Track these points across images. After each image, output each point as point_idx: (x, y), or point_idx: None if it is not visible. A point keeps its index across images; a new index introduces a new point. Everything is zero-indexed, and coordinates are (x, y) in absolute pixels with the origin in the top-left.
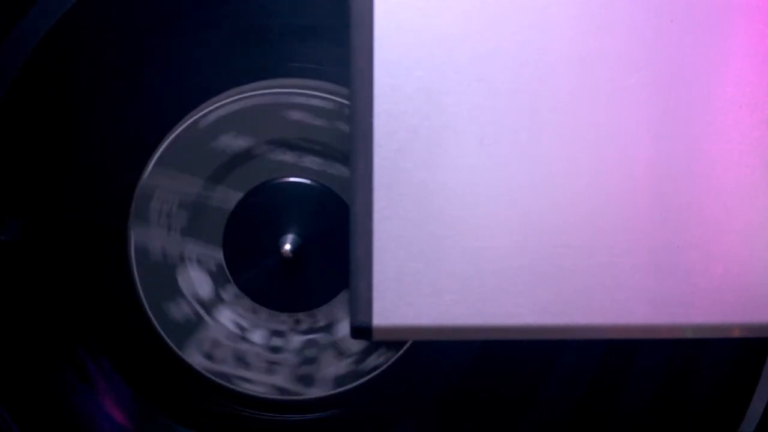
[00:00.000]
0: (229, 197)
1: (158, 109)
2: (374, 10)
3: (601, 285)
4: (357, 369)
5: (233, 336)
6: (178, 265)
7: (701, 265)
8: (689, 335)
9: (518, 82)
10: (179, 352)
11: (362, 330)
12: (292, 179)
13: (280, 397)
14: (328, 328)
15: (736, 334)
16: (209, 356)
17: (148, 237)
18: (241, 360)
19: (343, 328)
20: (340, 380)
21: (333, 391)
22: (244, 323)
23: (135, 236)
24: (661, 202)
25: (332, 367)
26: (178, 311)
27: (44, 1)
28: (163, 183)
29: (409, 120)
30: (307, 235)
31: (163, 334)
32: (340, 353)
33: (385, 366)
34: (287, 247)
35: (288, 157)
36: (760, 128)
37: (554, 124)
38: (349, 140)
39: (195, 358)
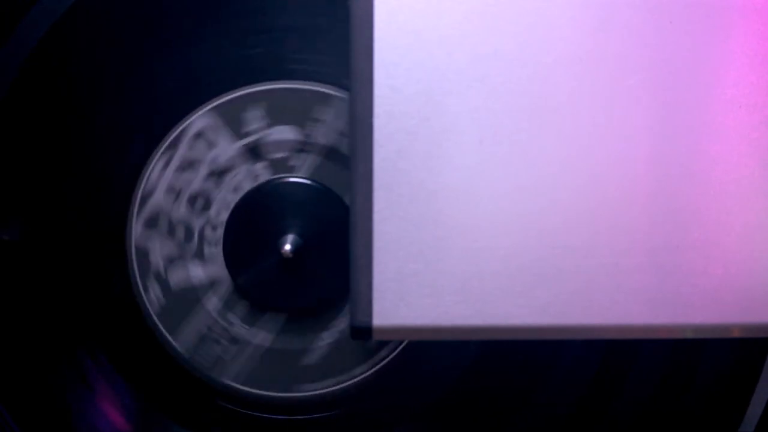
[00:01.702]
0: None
1: (158, 110)
2: (374, 11)
3: (600, 285)
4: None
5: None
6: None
7: (701, 265)
8: (689, 335)
9: (518, 84)
10: (168, 336)
11: (362, 330)
12: (292, 179)
13: (280, 396)
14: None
15: (736, 334)
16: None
17: (151, 243)
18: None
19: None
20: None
21: (332, 391)
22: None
23: (137, 238)
24: (660, 202)
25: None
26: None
27: (44, 3)
28: (162, 185)
29: (409, 121)
30: (308, 235)
31: (157, 322)
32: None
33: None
34: (287, 247)
35: (257, 167)
36: (760, 129)
37: (554, 125)
38: (349, 141)
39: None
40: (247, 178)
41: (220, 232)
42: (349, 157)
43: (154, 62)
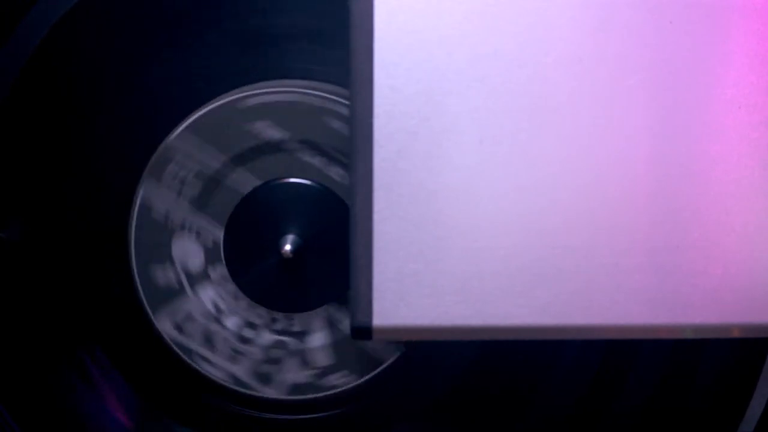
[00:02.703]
0: (246, 181)
1: (158, 111)
2: (374, 12)
3: (600, 285)
4: (316, 383)
5: (208, 315)
6: (176, 232)
7: (701, 265)
8: (689, 335)
9: (517, 84)
10: (152, 317)
11: (362, 330)
12: (292, 179)
13: (279, 397)
14: (300, 335)
15: (736, 334)
16: (179, 328)
17: (157, 196)
18: (208, 340)
19: (316, 339)
20: (296, 388)
21: (332, 391)
22: (222, 306)
23: (144, 191)
24: (660, 202)
25: (292, 374)
26: (164, 276)
27: (44, 4)
28: (187, 149)
29: (409, 121)
30: (308, 236)
31: (141, 295)
32: (305, 363)
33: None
34: (287, 247)
35: (316, 161)
36: (759, 129)
37: (554, 125)
38: (349, 141)
39: (165, 326)
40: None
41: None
42: (348, 158)
43: (154, 63)
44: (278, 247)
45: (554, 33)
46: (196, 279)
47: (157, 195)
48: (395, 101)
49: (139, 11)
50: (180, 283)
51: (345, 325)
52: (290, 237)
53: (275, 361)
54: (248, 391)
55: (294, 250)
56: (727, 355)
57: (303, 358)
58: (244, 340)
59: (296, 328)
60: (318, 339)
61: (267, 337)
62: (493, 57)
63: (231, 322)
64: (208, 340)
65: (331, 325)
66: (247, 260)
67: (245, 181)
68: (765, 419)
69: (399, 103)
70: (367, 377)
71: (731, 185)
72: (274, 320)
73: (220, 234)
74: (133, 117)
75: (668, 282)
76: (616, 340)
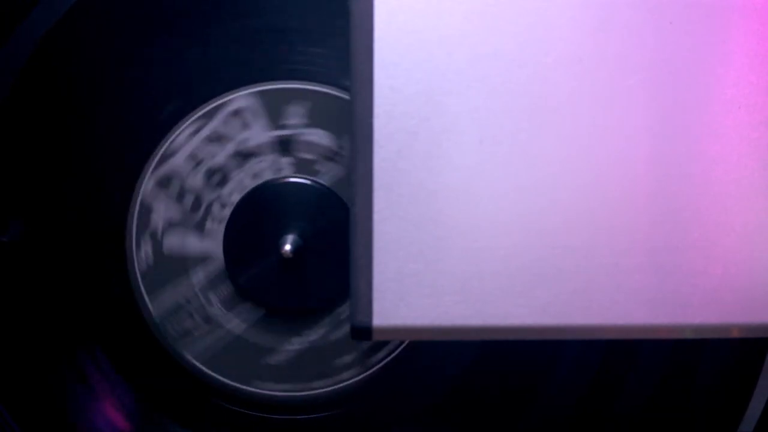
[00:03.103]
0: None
1: (158, 111)
2: (374, 12)
3: (600, 285)
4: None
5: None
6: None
7: (701, 265)
8: (689, 335)
9: (517, 84)
10: (145, 296)
11: (362, 330)
12: (292, 179)
13: (280, 396)
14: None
15: (736, 334)
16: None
17: (157, 201)
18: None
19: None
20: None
21: (332, 391)
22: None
23: (143, 192)
24: (660, 202)
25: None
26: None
27: (44, 4)
28: (183, 171)
29: (409, 121)
30: (308, 236)
31: (138, 279)
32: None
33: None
34: (287, 247)
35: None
36: (759, 129)
37: (553, 125)
38: (349, 141)
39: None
40: (270, 168)
41: (228, 211)
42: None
43: (154, 63)
44: (278, 247)
45: (554, 33)
46: (191, 263)
47: (157, 199)
48: (395, 101)
49: (139, 11)
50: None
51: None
52: (290, 237)
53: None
54: (249, 391)
55: (294, 250)
56: (727, 355)
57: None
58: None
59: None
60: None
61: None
62: (493, 57)
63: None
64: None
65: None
66: (248, 260)
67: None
68: (765, 419)
69: (399, 103)
70: (367, 377)
71: (731, 185)
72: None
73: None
74: (133, 117)
75: (668, 282)
76: (616, 340)
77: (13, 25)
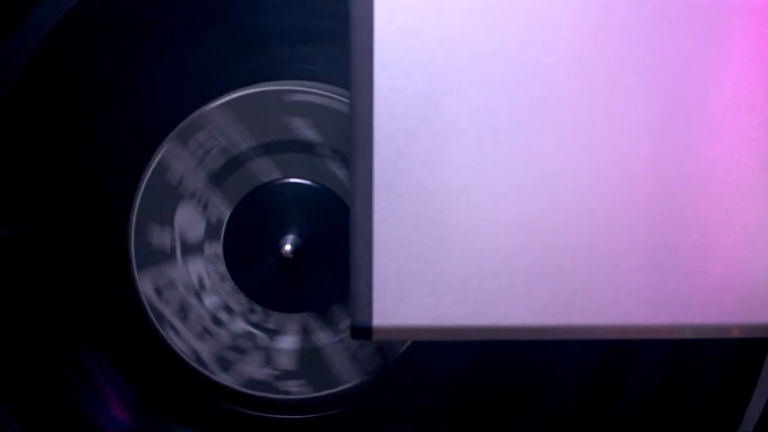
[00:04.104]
0: (268, 171)
1: (158, 111)
2: (374, 12)
3: (600, 285)
4: (272, 383)
5: (190, 287)
6: (185, 198)
7: (701, 265)
8: (689, 335)
9: (517, 84)
10: (135, 273)
11: (362, 330)
12: (292, 179)
13: (279, 397)
14: (272, 332)
15: (735, 334)
16: (158, 291)
17: (177, 158)
18: (183, 311)
19: (285, 341)
20: (251, 383)
21: (332, 391)
22: (207, 282)
23: (166, 150)
24: (660, 202)
25: (251, 368)
26: (159, 238)
27: (44, 4)
28: (220, 123)
29: (409, 121)
30: (308, 236)
31: (132, 250)
32: (267, 361)
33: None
34: (288, 247)
35: (341, 172)
36: (759, 129)
37: (554, 125)
38: (349, 141)
39: (145, 287)
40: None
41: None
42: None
43: (154, 63)
44: (278, 247)
45: (554, 33)
46: (189, 249)
47: (178, 158)
48: (395, 101)
49: (139, 11)
50: (173, 249)
51: (318, 336)
52: (290, 237)
53: (240, 351)
54: (248, 391)
55: (294, 250)
56: (726, 355)
57: (267, 355)
58: (218, 322)
59: (271, 326)
60: (287, 342)
61: (239, 326)
62: (493, 57)
63: (210, 301)
64: (183, 311)
65: (305, 332)
66: (247, 260)
67: (268, 170)
68: (765, 419)
69: (399, 103)
70: (366, 377)
71: (731, 185)
72: (252, 311)
73: (227, 213)
74: (133, 117)
75: (668, 282)
76: (616, 340)
77: (13, 25)
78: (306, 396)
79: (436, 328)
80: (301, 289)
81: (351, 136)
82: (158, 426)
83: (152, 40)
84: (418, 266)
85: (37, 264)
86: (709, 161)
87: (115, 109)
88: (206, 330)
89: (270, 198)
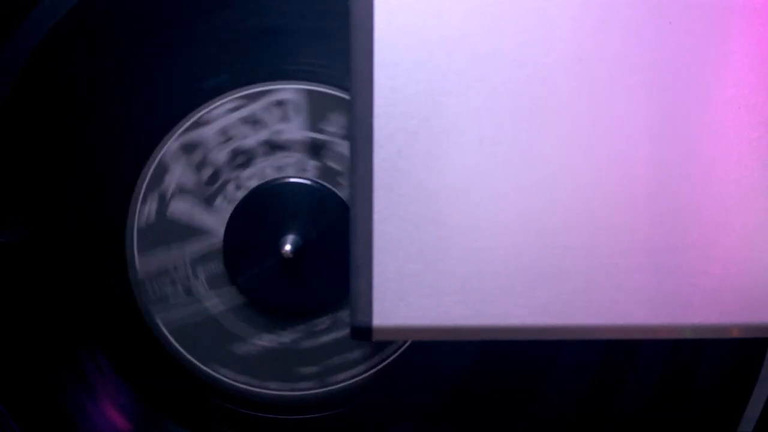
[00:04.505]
0: (268, 171)
1: (158, 111)
2: (374, 12)
3: (600, 285)
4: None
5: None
6: (185, 198)
7: (701, 265)
8: (688, 335)
9: (517, 84)
10: (135, 256)
11: (362, 330)
12: (292, 179)
13: (279, 396)
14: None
15: (735, 334)
16: (158, 291)
17: (177, 159)
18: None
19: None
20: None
21: (332, 391)
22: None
23: (166, 150)
24: (660, 203)
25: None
26: (159, 238)
27: (44, 4)
28: (220, 123)
29: (409, 121)
30: (308, 236)
31: (134, 234)
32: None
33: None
34: (288, 247)
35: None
36: (759, 129)
37: (554, 125)
38: (349, 142)
39: (145, 286)
40: (295, 166)
41: (241, 194)
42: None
43: (154, 63)
44: (278, 247)
45: (554, 33)
46: (190, 233)
47: (178, 159)
48: (395, 101)
49: (139, 11)
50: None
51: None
52: (290, 237)
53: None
54: (249, 391)
55: (294, 250)
56: (726, 355)
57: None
58: (188, 292)
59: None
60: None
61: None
62: (493, 57)
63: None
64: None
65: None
66: (247, 260)
67: (268, 170)
68: (764, 419)
69: (399, 103)
70: (366, 377)
71: (731, 185)
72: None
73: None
74: (133, 117)
75: (668, 282)
76: (616, 340)
77: (13, 25)
78: (306, 395)
79: (436, 328)
80: (301, 289)
81: (351, 136)
82: (158, 426)
83: (152, 40)
84: (418, 266)
85: (37, 264)
86: (709, 161)
87: (115, 109)
88: (188, 291)
89: (270, 198)
